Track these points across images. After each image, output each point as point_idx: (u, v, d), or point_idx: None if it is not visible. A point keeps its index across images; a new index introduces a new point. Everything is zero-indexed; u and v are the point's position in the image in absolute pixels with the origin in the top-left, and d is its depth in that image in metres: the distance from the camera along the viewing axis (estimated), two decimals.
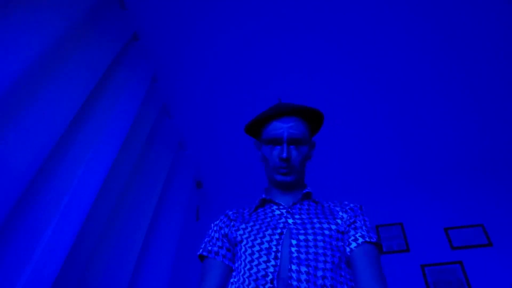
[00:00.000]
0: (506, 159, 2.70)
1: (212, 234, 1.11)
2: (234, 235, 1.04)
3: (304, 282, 0.84)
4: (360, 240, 0.95)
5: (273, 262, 0.90)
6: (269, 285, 0.86)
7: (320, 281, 0.85)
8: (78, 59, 1.48)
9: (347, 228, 0.99)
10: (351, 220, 1.01)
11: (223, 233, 1.09)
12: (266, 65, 2.26)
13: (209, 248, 1.07)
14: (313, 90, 2.38)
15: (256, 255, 0.94)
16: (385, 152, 2.76)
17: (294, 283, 0.84)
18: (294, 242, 0.92)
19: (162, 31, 2.09)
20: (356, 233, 0.97)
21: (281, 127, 1.06)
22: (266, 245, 0.94)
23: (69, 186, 1.32)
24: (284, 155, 1.02)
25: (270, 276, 0.88)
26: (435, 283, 2.27)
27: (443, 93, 2.36)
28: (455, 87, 2.33)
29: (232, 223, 1.09)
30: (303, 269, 0.87)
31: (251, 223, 1.04)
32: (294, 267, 0.87)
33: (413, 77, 2.29)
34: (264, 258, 0.92)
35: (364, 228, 0.99)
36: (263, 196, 1.12)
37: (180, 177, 2.48)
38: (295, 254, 0.89)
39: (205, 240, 1.12)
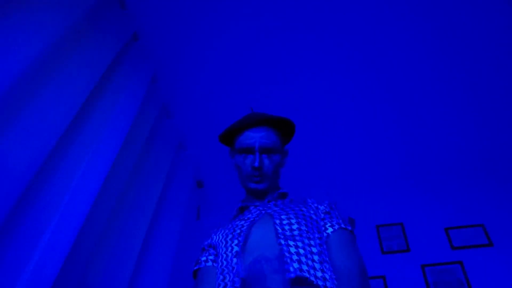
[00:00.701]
0: (506, 159, 2.70)
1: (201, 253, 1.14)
2: (215, 239, 1.08)
3: (295, 255, 0.85)
4: (337, 226, 1.00)
5: (241, 242, 0.93)
6: (236, 261, 0.89)
7: (309, 255, 0.87)
8: (78, 59, 1.48)
9: (323, 215, 1.03)
10: (327, 210, 1.05)
11: (207, 246, 1.12)
12: (266, 64, 2.26)
13: (199, 261, 1.10)
14: (313, 90, 2.38)
15: (230, 242, 0.98)
16: (386, 152, 2.76)
17: (287, 254, 0.85)
18: (277, 221, 0.95)
19: (162, 31, 2.09)
20: (332, 220, 1.02)
21: (253, 137, 1.10)
22: (238, 231, 0.99)
23: (69, 186, 1.32)
24: (256, 164, 1.06)
25: (236, 249, 0.92)
26: (436, 283, 2.27)
27: (443, 93, 2.36)
28: (456, 87, 2.32)
29: (214, 236, 1.12)
30: (291, 243, 0.88)
31: (230, 225, 1.08)
32: (282, 241, 0.88)
33: (413, 77, 2.29)
34: (235, 241, 0.96)
35: (339, 218, 1.04)
36: (240, 204, 1.15)
37: (181, 177, 2.47)
38: (280, 231, 0.91)
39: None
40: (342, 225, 1.00)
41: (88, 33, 1.59)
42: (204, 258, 1.08)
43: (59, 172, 1.32)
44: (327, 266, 0.88)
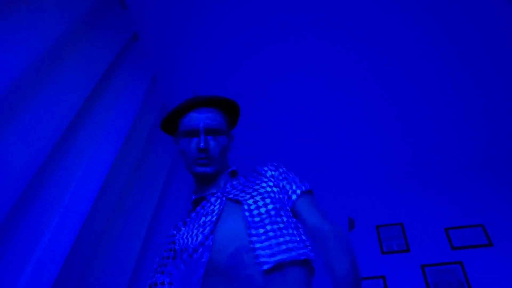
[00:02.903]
0: (506, 159, 2.70)
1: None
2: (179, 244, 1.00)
3: (266, 242, 0.85)
4: (298, 191, 1.01)
5: (208, 236, 0.89)
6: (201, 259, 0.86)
7: (280, 236, 0.87)
8: (78, 59, 1.48)
9: (281, 183, 1.04)
10: (283, 176, 1.05)
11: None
12: (266, 64, 2.26)
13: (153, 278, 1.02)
14: (314, 90, 2.38)
15: (193, 239, 0.92)
16: (386, 152, 2.76)
17: (258, 245, 0.84)
18: (245, 207, 0.92)
19: (162, 31, 2.09)
20: (292, 186, 1.03)
21: (197, 118, 1.04)
22: (201, 228, 0.93)
23: (69, 186, 1.32)
24: (202, 145, 1.00)
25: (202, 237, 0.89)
26: (435, 283, 2.27)
27: (443, 92, 2.36)
28: (456, 86, 2.32)
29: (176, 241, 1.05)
30: (261, 230, 0.87)
31: (192, 223, 1.01)
32: (253, 231, 0.86)
33: (413, 77, 2.29)
34: (201, 236, 0.90)
35: (296, 179, 1.06)
36: (193, 197, 1.09)
37: (180, 177, 2.48)
38: (249, 219, 0.89)
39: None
40: (303, 188, 1.02)
41: (88, 33, 1.59)
42: (158, 278, 0.99)
43: (59, 172, 1.32)
44: (300, 232, 0.91)
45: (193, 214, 1.04)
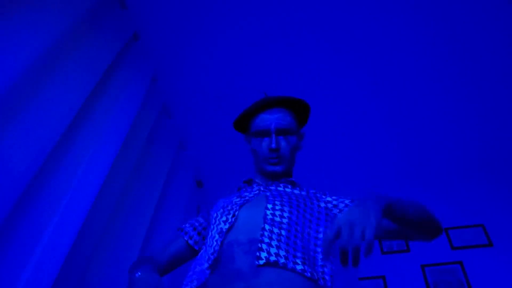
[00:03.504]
0: (506, 159, 2.70)
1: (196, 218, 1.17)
2: (212, 211, 1.08)
3: (276, 241, 0.83)
4: (347, 201, 1.02)
5: (230, 220, 0.92)
6: (218, 238, 0.88)
7: (292, 244, 0.83)
8: (78, 59, 1.48)
9: (332, 204, 1.02)
10: (339, 200, 1.04)
11: (198, 222, 1.14)
12: (266, 64, 2.26)
13: (185, 229, 1.12)
14: (314, 90, 2.38)
15: (219, 216, 0.97)
16: (385, 152, 2.76)
17: (266, 240, 0.82)
18: (270, 206, 0.93)
19: (162, 31, 2.09)
20: (344, 201, 1.03)
21: (269, 119, 1.08)
22: (229, 207, 0.98)
23: (69, 186, 1.32)
24: (273, 145, 1.04)
25: (224, 230, 0.90)
26: (435, 283, 2.27)
27: (443, 92, 2.36)
28: (456, 86, 2.32)
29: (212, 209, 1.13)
30: (276, 230, 0.86)
31: (227, 199, 1.07)
32: (267, 226, 0.86)
33: (413, 76, 2.29)
34: (224, 218, 0.95)
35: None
36: (246, 178, 1.15)
37: (180, 177, 2.48)
38: (269, 216, 0.89)
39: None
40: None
41: (88, 33, 1.59)
42: (187, 230, 1.11)
43: (59, 172, 1.32)
44: (316, 256, 0.84)
45: (232, 195, 1.10)
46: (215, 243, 0.89)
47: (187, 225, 1.13)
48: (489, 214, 2.50)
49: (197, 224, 1.13)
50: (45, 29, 1.29)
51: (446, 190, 2.72)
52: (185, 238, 1.09)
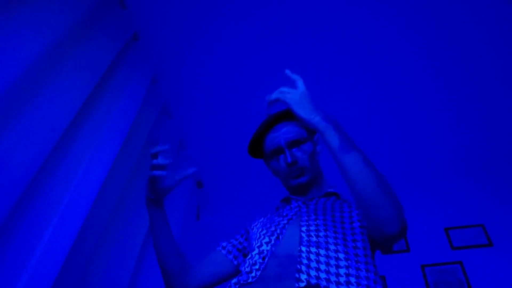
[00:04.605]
0: (506, 159, 2.70)
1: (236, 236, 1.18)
2: (252, 231, 1.08)
3: (314, 262, 0.80)
4: None
5: (272, 242, 0.90)
6: (259, 260, 0.86)
7: (333, 265, 0.79)
8: (78, 59, 1.48)
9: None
10: None
11: (239, 237, 1.17)
12: (267, 65, 2.25)
13: (223, 244, 1.15)
14: (314, 90, 2.37)
15: (261, 237, 0.95)
16: (385, 152, 2.75)
17: (304, 261, 0.80)
18: (304, 227, 0.91)
19: (162, 31, 2.09)
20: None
21: (277, 137, 1.08)
22: (272, 228, 0.96)
23: (69, 186, 1.32)
24: (289, 160, 1.03)
25: (264, 253, 0.87)
26: (435, 283, 2.27)
27: (442, 92, 2.36)
28: (455, 86, 2.32)
29: (253, 225, 1.14)
30: (313, 249, 0.83)
31: (268, 219, 1.07)
32: (304, 248, 0.84)
33: (413, 77, 2.29)
34: (267, 239, 0.93)
35: None
36: (284, 196, 1.14)
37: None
38: (305, 238, 0.87)
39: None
40: None
41: (88, 33, 1.59)
42: (225, 245, 1.14)
43: (59, 172, 1.32)
44: (355, 272, 0.79)
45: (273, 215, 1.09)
46: (255, 262, 0.87)
47: (226, 242, 1.16)
48: (489, 214, 2.50)
49: (236, 242, 1.16)
50: (45, 29, 1.29)
51: (446, 190, 2.72)
52: (223, 253, 1.12)
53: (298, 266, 0.78)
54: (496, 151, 2.68)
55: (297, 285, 0.74)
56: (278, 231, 0.94)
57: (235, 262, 1.09)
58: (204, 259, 1.12)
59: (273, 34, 2.11)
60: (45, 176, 1.26)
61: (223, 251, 1.12)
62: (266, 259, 0.86)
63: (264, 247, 0.90)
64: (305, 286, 0.74)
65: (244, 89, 2.37)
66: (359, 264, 0.82)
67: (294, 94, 1.06)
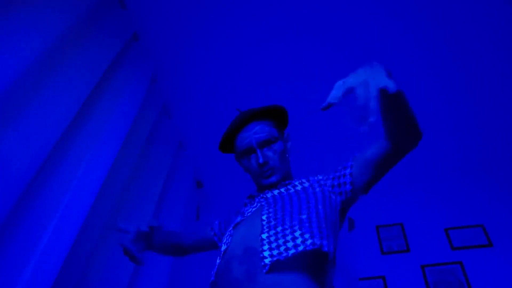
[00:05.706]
0: (506, 159, 2.70)
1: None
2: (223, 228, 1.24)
3: (274, 242, 0.84)
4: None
5: (227, 241, 0.96)
6: (222, 265, 0.92)
7: (289, 234, 0.85)
8: (78, 59, 1.48)
9: (332, 181, 1.09)
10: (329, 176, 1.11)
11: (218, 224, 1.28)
12: (266, 65, 2.26)
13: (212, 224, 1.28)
14: (313, 90, 2.38)
15: (224, 240, 1.01)
16: None
17: (266, 247, 0.83)
18: (264, 215, 0.94)
19: (162, 31, 2.09)
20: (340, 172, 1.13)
21: (248, 136, 1.09)
22: (230, 228, 1.02)
23: (69, 186, 1.32)
24: (260, 160, 1.04)
25: (221, 252, 0.95)
26: (435, 283, 2.27)
27: (442, 92, 2.36)
28: (455, 86, 2.32)
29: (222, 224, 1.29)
30: (272, 232, 0.87)
31: (233, 218, 1.17)
32: (264, 235, 0.87)
33: (413, 77, 2.29)
34: (224, 239, 1.00)
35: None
36: (249, 194, 1.20)
37: (180, 177, 2.47)
38: (265, 226, 0.90)
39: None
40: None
41: (88, 33, 1.59)
42: (212, 226, 1.27)
43: (59, 172, 1.32)
44: (309, 230, 0.86)
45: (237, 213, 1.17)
46: (218, 261, 0.95)
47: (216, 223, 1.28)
48: (489, 214, 2.50)
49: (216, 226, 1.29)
50: (45, 29, 1.29)
51: (446, 190, 2.72)
52: (208, 229, 1.28)
53: (261, 254, 0.83)
54: (496, 152, 2.68)
55: (264, 270, 0.79)
56: (232, 232, 0.99)
57: (216, 238, 1.24)
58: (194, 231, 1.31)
59: (273, 34, 2.11)
60: (45, 176, 1.26)
61: (209, 229, 1.28)
62: (226, 262, 0.90)
63: (223, 247, 0.96)
64: (270, 265, 0.79)
65: (244, 89, 2.37)
66: (313, 228, 0.87)
67: (360, 75, 0.81)
